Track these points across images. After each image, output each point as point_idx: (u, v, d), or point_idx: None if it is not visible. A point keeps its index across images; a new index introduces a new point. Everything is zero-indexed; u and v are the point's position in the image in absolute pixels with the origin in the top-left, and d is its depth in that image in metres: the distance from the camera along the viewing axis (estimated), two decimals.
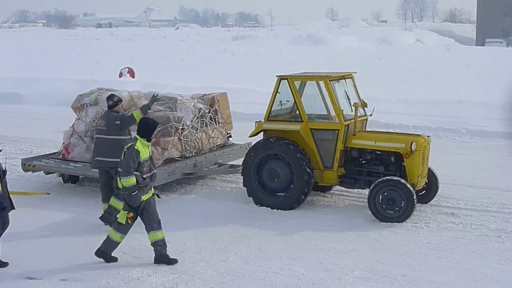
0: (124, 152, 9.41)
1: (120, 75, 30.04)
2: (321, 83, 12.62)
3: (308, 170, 12.03)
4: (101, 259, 9.69)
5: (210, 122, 14.49)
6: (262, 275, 9.22)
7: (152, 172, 9.66)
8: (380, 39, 75.23)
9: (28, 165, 14.09)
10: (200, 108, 14.36)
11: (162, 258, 9.61)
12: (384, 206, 11.50)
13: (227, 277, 9.15)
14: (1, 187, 9.36)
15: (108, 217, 11.11)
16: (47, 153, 15.22)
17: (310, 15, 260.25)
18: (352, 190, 13.10)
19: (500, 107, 21.25)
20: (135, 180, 9.30)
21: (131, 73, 30.37)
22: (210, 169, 14.30)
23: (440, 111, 21.56)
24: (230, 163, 14.75)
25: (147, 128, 9.62)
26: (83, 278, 9.18)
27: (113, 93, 12.49)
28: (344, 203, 12.91)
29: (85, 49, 53.98)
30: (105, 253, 9.69)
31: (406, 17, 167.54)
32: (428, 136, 12.51)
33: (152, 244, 9.64)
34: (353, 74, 13.13)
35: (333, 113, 12.25)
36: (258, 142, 12.74)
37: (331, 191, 13.40)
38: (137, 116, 11.10)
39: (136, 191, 9.34)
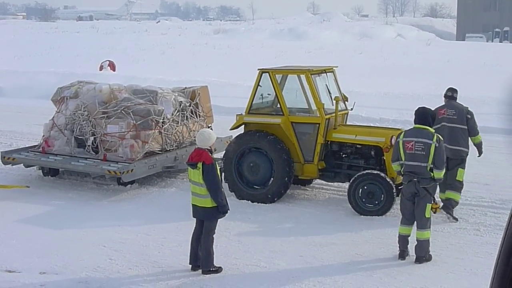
0: (436, 147, 9.40)
1: (101, 68, 29.84)
2: (302, 76, 12.64)
3: (289, 163, 12.06)
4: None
5: (191, 116, 14.48)
6: (242, 268, 9.25)
7: None
8: (361, 34, 75.28)
9: (7, 158, 13.98)
10: (181, 101, 14.34)
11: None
12: (364, 200, 11.56)
13: None
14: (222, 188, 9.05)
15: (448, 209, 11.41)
16: (27, 146, 15.11)
17: (292, 9, 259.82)
18: (332, 183, 13.14)
19: (480, 102, 21.35)
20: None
21: (112, 66, 30.17)
22: None
23: (420, 105, 21.57)
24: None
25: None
26: (62, 271, 9.16)
27: (453, 87, 12.78)
28: (324, 196, 12.96)
29: (66, 42, 53.45)
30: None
31: (387, 11, 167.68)
32: None
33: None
34: (334, 68, 13.17)
35: (314, 106, 12.28)
36: (241, 134, 12.73)
37: (311, 185, 13.44)
38: (476, 139, 11.67)
39: None
